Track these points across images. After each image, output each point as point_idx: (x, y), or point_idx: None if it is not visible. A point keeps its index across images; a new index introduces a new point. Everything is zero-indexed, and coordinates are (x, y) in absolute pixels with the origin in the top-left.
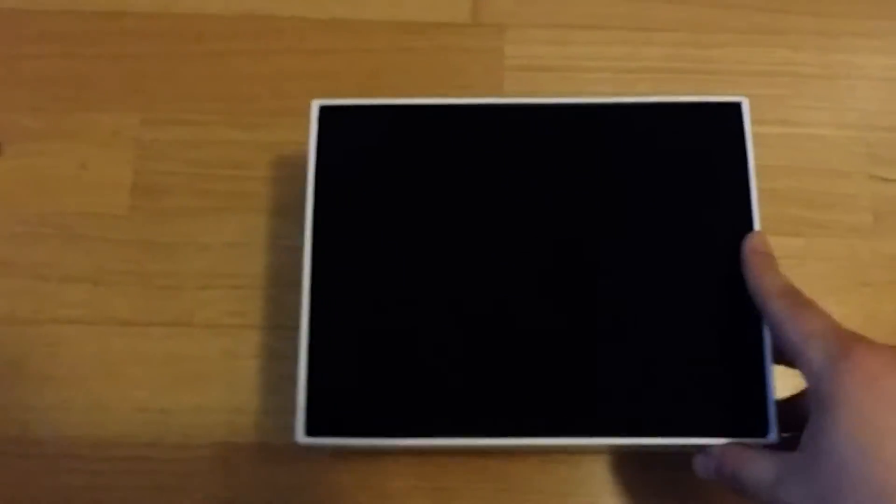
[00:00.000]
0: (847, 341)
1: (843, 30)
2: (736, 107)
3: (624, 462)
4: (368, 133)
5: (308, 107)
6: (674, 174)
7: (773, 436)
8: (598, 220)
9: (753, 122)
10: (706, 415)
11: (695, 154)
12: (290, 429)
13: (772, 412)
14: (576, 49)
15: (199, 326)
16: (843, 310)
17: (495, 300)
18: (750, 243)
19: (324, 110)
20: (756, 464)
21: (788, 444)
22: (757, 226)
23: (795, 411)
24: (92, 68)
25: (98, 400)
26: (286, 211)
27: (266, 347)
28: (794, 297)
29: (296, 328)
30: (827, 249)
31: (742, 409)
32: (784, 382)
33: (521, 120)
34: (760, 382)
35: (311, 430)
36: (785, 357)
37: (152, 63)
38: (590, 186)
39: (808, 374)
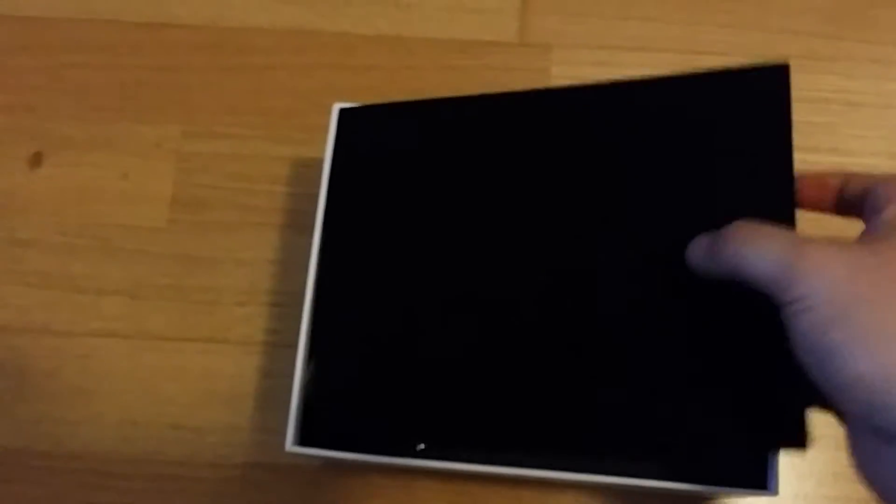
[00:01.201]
0: None
1: None
2: (781, 71)
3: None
4: (388, 135)
5: None
6: (707, 157)
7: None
8: (615, 223)
9: (804, 149)
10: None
11: (733, 132)
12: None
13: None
14: (624, 71)
15: (234, 343)
16: None
17: (502, 321)
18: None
19: (344, 114)
20: (779, 231)
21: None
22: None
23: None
24: (135, 79)
25: (131, 415)
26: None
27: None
28: None
29: None
30: None
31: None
32: None
33: (548, 108)
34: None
35: (303, 440)
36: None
37: (195, 75)
38: (610, 180)
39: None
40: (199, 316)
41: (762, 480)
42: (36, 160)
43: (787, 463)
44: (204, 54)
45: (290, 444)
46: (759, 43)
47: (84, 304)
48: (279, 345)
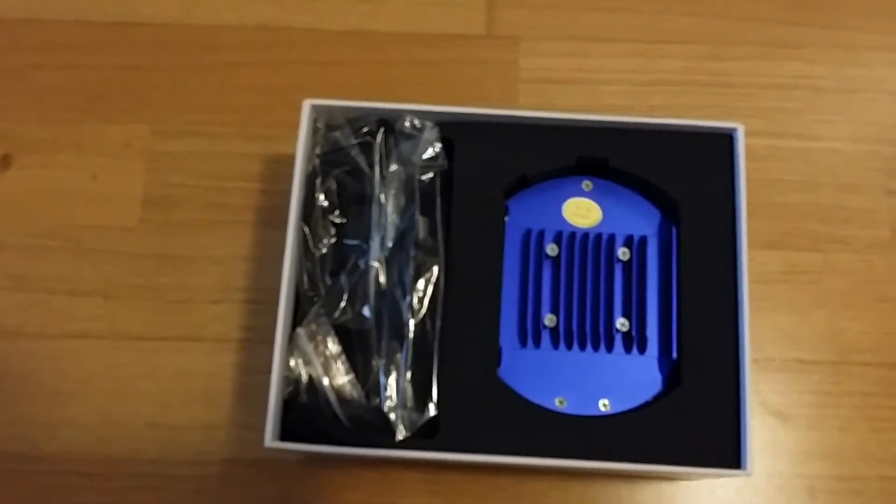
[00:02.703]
0: None
1: (862, 43)
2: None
3: (640, 481)
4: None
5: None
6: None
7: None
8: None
9: (769, 135)
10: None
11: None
12: None
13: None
14: (590, 61)
15: (209, 341)
16: (860, 326)
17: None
18: None
19: (316, 110)
20: None
21: None
22: (744, 258)
23: None
24: (101, 79)
25: (107, 416)
26: None
27: None
28: None
29: None
30: (843, 265)
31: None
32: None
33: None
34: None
35: (283, 436)
36: None
37: (163, 74)
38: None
39: None
40: (174, 315)
41: (736, 460)
42: (4, 163)
43: (761, 442)
44: (171, 52)
45: (269, 440)
46: (723, 31)
47: (57, 305)
48: (254, 341)
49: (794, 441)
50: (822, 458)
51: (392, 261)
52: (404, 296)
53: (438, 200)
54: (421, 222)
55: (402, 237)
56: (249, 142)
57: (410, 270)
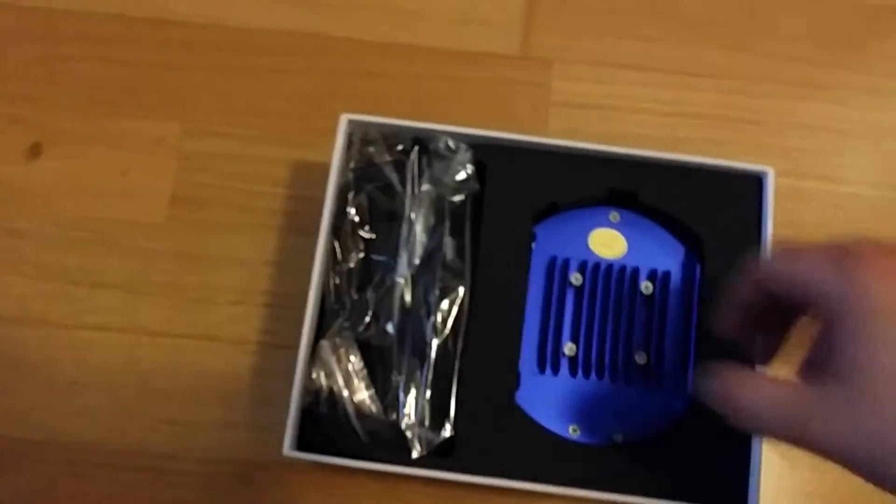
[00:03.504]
0: (851, 247)
1: (890, 89)
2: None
3: None
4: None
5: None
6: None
7: None
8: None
9: (793, 175)
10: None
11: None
12: None
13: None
14: (621, 89)
15: (228, 342)
16: None
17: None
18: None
19: (352, 124)
20: (761, 389)
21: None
22: None
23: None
24: (136, 75)
25: (124, 409)
26: None
27: (291, 368)
28: (784, 246)
29: None
30: None
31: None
32: None
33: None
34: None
35: (300, 445)
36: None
37: (197, 74)
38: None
39: (819, 298)
40: (195, 313)
41: (743, 499)
42: (34, 151)
43: (765, 481)
44: (206, 53)
45: (287, 449)
46: (754, 67)
47: (80, 296)
48: (273, 345)
49: (798, 481)
50: (825, 499)
51: (418, 279)
52: (428, 315)
53: (468, 223)
54: (449, 243)
55: (430, 256)
56: (279, 147)
57: (436, 290)
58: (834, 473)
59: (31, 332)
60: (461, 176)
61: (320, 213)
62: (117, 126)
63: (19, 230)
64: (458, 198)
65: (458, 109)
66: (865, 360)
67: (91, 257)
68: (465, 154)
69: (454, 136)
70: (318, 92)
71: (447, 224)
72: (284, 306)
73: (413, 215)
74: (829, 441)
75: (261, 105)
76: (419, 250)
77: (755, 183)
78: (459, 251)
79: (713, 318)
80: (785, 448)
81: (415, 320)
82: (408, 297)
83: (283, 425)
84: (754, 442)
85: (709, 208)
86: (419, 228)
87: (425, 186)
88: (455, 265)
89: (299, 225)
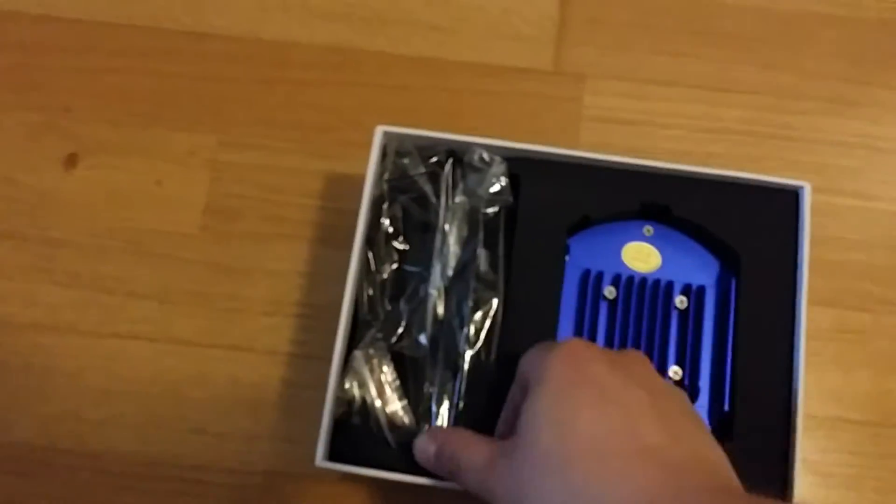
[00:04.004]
0: (560, 342)
1: None
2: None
3: None
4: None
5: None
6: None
7: None
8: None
9: (828, 191)
10: None
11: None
12: None
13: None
14: (653, 104)
15: (259, 352)
16: None
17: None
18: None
19: (387, 136)
20: (474, 448)
21: None
22: (803, 316)
23: None
24: (172, 87)
25: (154, 418)
26: None
27: (322, 379)
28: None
29: None
30: (893, 327)
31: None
32: None
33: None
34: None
35: (331, 456)
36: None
37: (232, 86)
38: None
39: (527, 377)
40: (226, 323)
41: None
42: (71, 161)
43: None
44: (241, 66)
45: (319, 460)
46: (788, 84)
47: (112, 305)
48: (304, 356)
49: (832, 501)
50: None
51: (451, 291)
52: (461, 326)
53: (501, 235)
54: (483, 255)
55: (463, 268)
56: (312, 159)
57: (469, 302)
58: (870, 494)
59: (63, 341)
60: (495, 188)
61: (352, 225)
62: (153, 137)
63: (55, 239)
64: (491, 210)
65: (489, 124)
66: (530, 417)
67: (125, 266)
68: (499, 166)
69: (488, 148)
70: (351, 105)
71: (481, 236)
72: (315, 317)
73: (447, 227)
74: (497, 483)
75: (294, 117)
76: (452, 262)
77: (791, 198)
78: (493, 263)
79: (498, 425)
80: (823, 469)
81: (448, 332)
82: (441, 309)
83: (314, 436)
84: (791, 461)
85: (744, 223)
86: (453, 240)
87: (459, 198)
88: (488, 277)
89: (331, 236)
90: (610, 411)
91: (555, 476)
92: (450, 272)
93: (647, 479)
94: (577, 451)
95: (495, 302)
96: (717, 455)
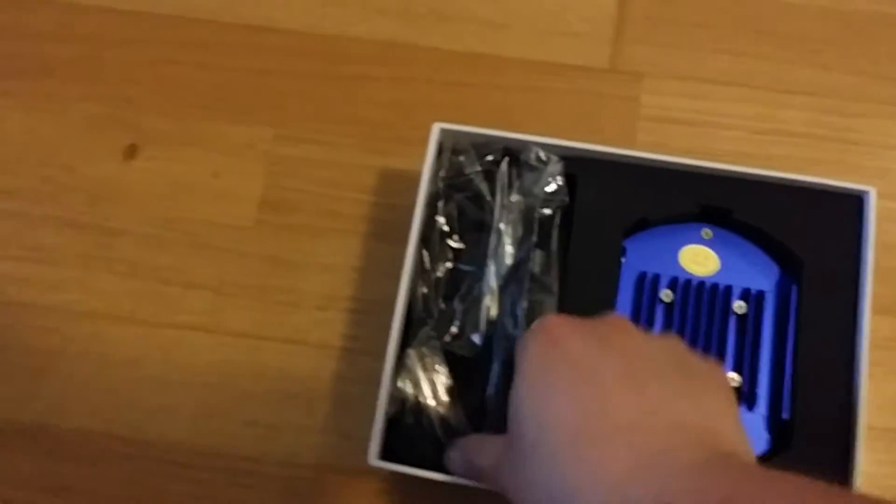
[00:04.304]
0: (540, 321)
1: None
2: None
3: None
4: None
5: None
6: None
7: None
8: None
9: (890, 197)
10: None
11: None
12: None
13: None
14: (712, 104)
15: (312, 346)
16: None
17: None
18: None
19: (444, 133)
20: (486, 450)
21: None
22: (866, 324)
23: None
24: (231, 80)
25: (208, 408)
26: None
27: (373, 374)
28: None
29: None
30: None
31: None
32: None
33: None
34: None
35: (384, 454)
36: None
37: (290, 80)
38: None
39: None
40: (280, 316)
41: None
42: (131, 152)
43: None
44: (299, 60)
45: (372, 458)
46: (847, 86)
47: (169, 296)
48: (356, 351)
49: None
50: None
51: (505, 291)
52: (515, 326)
53: (556, 235)
54: (538, 256)
55: (518, 268)
56: (367, 154)
57: (524, 302)
58: None
59: (121, 330)
60: (551, 188)
61: (405, 221)
62: (211, 129)
63: (114, 228)
64: (547, 210)
65: (543, 121)
66: (513, 409)
67: (181, 257)
68: (555, 165)
69: (545, 147)
70: (407, 101)
71: (535, 236)
72: (368, 312)
73: (502, 226)
74: (506, 481)
75: (350, 113)
76: (507, 261)
77: (855, 203)
78: (547, 265)
79: None
80: (881, 481)
81: (501, 331)
82: (494, 309)
83: (364, 432)
84: (851, 472)
85: (806, 228)
86: (508, 239)
87: (514, 197)
88: (543, 279)
89: (384, 232)
90: (583, 393)
91: (543, 469)
92: (504, 272)
93: (620, 466)
94: (557, 443)
95: (550, 303)
96: (701, 416)
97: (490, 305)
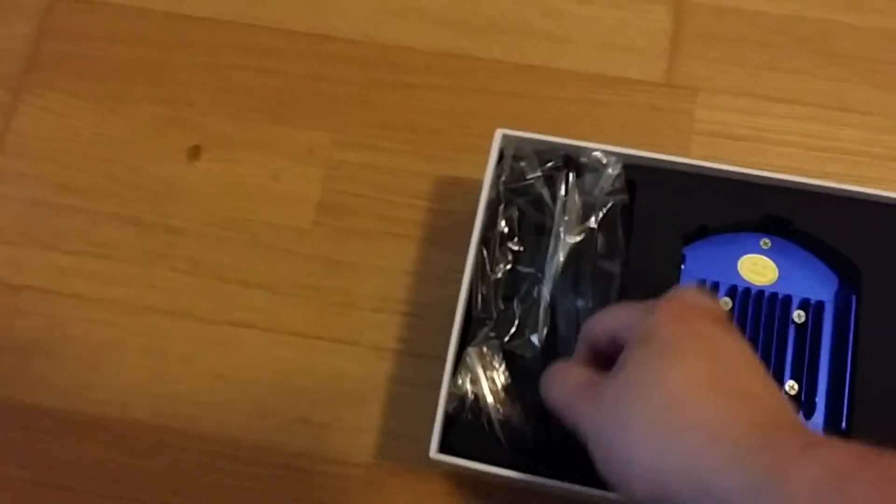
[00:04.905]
0: (666, 297)
1: None
2: None
3: None
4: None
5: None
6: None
7: None
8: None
9: None
10: None
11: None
12: None
13: None
14: (767, 121)
15: (365, 347)
16: None
17: None
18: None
19: (505, 139)
20: (574, 371)
21: None
22: None
23: None
24: (292, 85)
25: (262, 405)
26: (464, 247)
27: (425, 377)
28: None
29: None
30: None
31: None
32: None
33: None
34: None
35: (442, 449)
36: None
37: (350, 87)
38: None
39: (625, 332)
40: (335, 317)
41: None
42: (194, 153)
43: None
44: (360, 68)
45: (433, 452)
46: None
47: (228, 293)
48: (409, 353)
49: None
50: None
51: (565, 277)
52: (576, 324)
53: (619, 223)
54: (600, 239)
55: (580, 255)
56: (423, 161)
57: (585, 296)
58: None
59: (180, 325)
60: (612, 186)
61: (459, 227)
62: (272, 133)
63: (176, 227)
64: (607, 205)
65: (599, 133)
66: (629, 363)
67: (240, 257)
68: (615, 166)
69: (606, 154)
70: (463, 110)
71: (597, 223)
72: (421, 315)
73: (562, 228)
74: (584, 413)
75: (408, 120)
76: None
77: None
78: (611, 249)
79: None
80: None
81: (560, 333)
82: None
83: (416, 432)
84: None
85: (867, 239)
86: (568, 239)
87: (575, 199)
88: (605, 263)
89: (439, 237)
90: (715, 362)
91: (660, 408)
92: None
93: (750, 411)
94: (681, 385)
95: (614, 287)
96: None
97: (549, 307)
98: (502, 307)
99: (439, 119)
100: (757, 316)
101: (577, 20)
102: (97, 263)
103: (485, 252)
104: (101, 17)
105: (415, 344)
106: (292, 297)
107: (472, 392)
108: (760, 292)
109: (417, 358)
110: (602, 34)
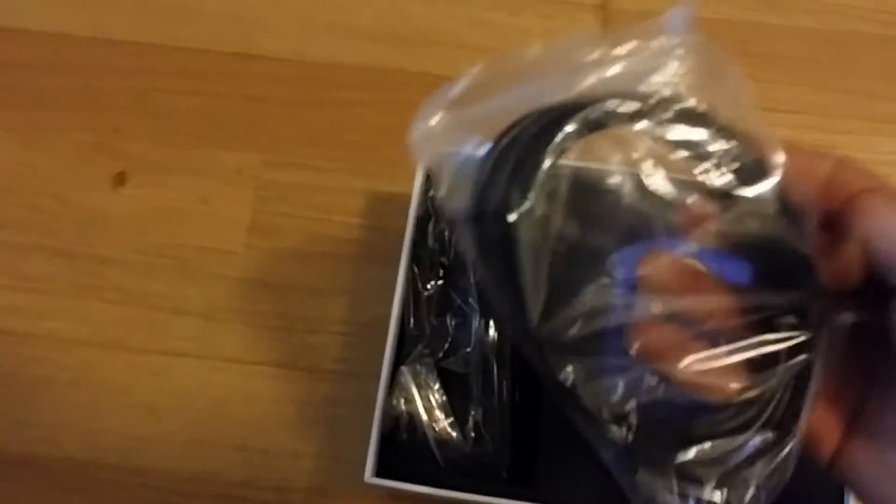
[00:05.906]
0: None
1: None
2: None
3: None
4: None
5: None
6: None
7: None
8: None
9: None
10: None
11: None
12: None
13: None
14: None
15: (303, 370)
16: None
17: None
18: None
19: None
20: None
21: None
22: None
23: None
24: (220, 107)
25: (198, 434)
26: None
27: (364, 396)
28: None
29: None
30: None
31: None
32: None
33: None
34: None
35: (379, 471)
36: None
37: (279, 107)
38: None
39: None
40: (271, 341)
41: None
42: (119, 180)
43: None
44: (288, 87)
45: (368, 476)
46: (833, 103)
47: (159, 322)
48: (347, 373)
49: None
50: None
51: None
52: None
53: None
54: None
55: None
56: (355, 178)
57: None
58: None
59: (111, 357)
60: None
61: (393, 243)
62: (199, 156)
63: (105, 256)
64: None
65: None
66: None
67: (171, 284)
68: None
69: None
70: (396, 124)
71: None
72: (358, 335)
73: None
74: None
75: (338, 137)
76: None
77: None
78: None
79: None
80: None
81: (494, 347)
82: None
83: (356, 454)
84: None
85: None
86: None
87: None
88: None
89: (373, 255)
90: None
91: None
92: None
93: None
94: None
95: None
96: None
97: (481, 321)
98: (435, 323)
99: (371, 134)
100: None
101: (506, 30)
102: (24, 298)
103: (416, 269)
104: (21, 44)
105: (352, 364)
106: (226, 323)
107: (407, 411)
108: None
109: (355, 378)
110: (532, 43)
